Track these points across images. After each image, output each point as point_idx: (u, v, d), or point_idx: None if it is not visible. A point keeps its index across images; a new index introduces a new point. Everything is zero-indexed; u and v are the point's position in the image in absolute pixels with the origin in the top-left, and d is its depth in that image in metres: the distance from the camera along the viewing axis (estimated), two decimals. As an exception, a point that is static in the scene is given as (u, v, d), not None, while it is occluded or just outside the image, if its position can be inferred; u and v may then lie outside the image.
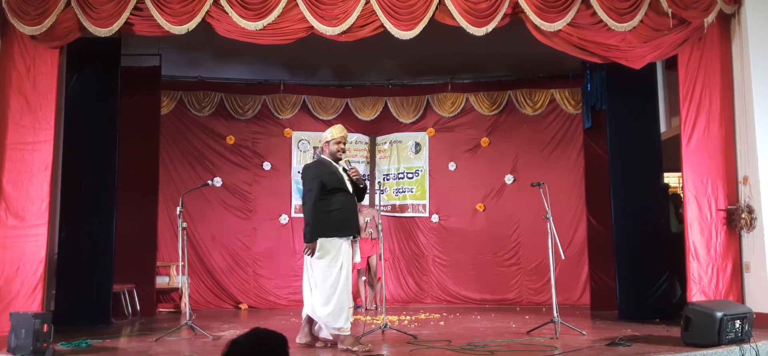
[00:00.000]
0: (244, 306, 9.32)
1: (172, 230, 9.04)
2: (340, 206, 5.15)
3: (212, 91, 9.67)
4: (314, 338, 5.33)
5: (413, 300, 9.67)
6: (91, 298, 6.86)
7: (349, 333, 5.10)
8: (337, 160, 5.32)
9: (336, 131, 5.36)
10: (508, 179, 9.82)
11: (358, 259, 5.47)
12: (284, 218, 9.81)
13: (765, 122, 6.23)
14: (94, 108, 7.14)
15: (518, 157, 9.83)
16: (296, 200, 9.88)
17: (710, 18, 6.26)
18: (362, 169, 10.08)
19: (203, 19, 6.11)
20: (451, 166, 9.99)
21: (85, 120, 7.10)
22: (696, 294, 6.13)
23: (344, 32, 6.19)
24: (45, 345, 4.79)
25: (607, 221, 7.71)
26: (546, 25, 6.13)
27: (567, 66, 8.78)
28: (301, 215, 9.64)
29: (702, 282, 6.19)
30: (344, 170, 5.29)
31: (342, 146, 5.33)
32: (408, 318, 7.56)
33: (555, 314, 5.76)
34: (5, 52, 6.17)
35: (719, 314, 4.77)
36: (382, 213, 8.86)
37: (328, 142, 5.35)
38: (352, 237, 5.29)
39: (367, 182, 5.44)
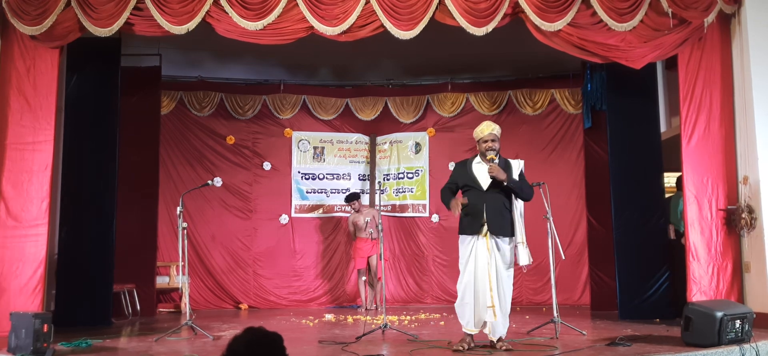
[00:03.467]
0: (244, 306, 9.33)
1: (172, 230, 9.04)
2: (469, 205, 5.03)
3: (212, 91, 9.67)
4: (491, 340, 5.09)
5: (413, 300, 9.67)
6: (91, 298, 6.86)
7: (471, 333, 5.02)
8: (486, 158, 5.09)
9: (479, 130, 5.16)
10: (508, 179, 9.81)
11: (524, 260, 5.08)
12: (284, 218, 9.81)
13: (765, 122, 6.23)
14: (94, 108, 7.14)
15: (518, 157, 9.75)
16: (296, 201, 9.90)
17: (710, 18, 6.26)
18: (362, 169, 10.09)
19: (203, 19, 6.11)
20: (451, 166, 9.91)
21: (85, 120, 7.09)
22: (696, 294, 6.13)
23: (344, 32, 6.19)
24: (45, 345, 4.79)
25: (607, 221, 7.71)
26: (546, 25, 6.13)
27: (567, 66, 8.78)
28: (302, 215, 9.84)
29: (702, 282, 6.19)
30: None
31: (489, 143, 5.05)
32: (408, 318, 7.57)
33: (555, 314, 5.76)
34: (5, 52, 6.17)
35: (719, 314, 4.77)
36: (382, 213, 8.86)
37: (477, 141, 5.19)
38: (493, 235, 4.97)
39: (516, 180, 5.08)
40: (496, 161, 5.03)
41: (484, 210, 4.99)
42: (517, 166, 5.14)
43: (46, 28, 6.04)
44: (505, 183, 4.98)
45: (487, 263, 4.97)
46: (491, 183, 5.02)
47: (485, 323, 5.01)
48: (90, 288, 6.89)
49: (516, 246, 5.08)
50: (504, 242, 5.01)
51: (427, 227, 9.92)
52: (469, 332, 5.04)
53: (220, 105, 9.71)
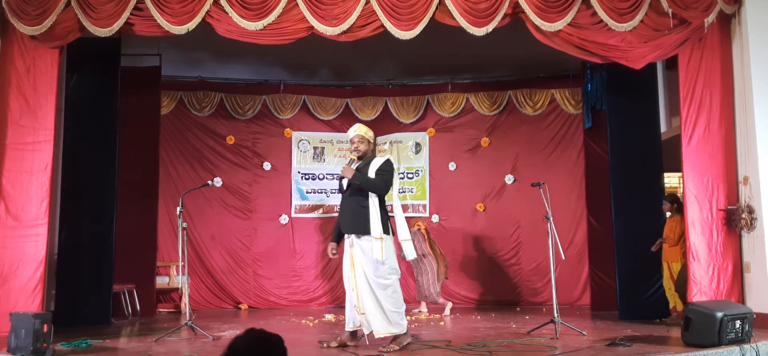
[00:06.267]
0: (244, 306, 9.32)
1: (172, 230, 9.04)
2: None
3: (212, 91, 9.66)
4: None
5: (413, 300, 9.64)
6: (91, 298, 6.87)
7: (347, 330, 5.25)
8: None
9: (348, 133, 5.47)
10: (509, 179, 9.82)
11: (375, 255, 5.04)
12: (284, 219, 9.81)
13: (765, 122, 6.22)
14: (94, 108, 7.14)
15: (518, 157, 9.83)
16: (296, 201, 9.90)
17: (710, 18, 6.25)
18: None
19: (203, 19, 6.10)
20: (452, 166, 9.98)
21: (85, 120, 7.10)
22: (696, 294, 6.13)
23: (344, 32, 6.19)
24: (45, 345, 4.79)
25: (608, 221, 7.71)
26: (546, 26, 6.12)
27: (567, 66, 8.78)
28: (302, 215, 9.85)
29: (702, 282, 6.19)
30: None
31: (355, 144, 5.34)
32: (408, 318, 7.55)
33: (555, 314, 5.76)
34: (5, 52, 6.16)
35: (719, 314, 4.77)
36: (382, 213, 8.86)
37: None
38: (350, 234, 5.19)
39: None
40: (356, 162, 5.26)
41: (343, 212, 5.27)
42: (377, 163, 5.24)
43: (46, 28, 6.03)
44: (353, 183, 5.17)
45: (350, 263, 5.18)
46: (349, 184, 5.23)
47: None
48: (90, 288, 6.89)
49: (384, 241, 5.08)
50: (363, 241, 5.11)
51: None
52: (347, 330, 5.27)
53: (220, 105, 9.71)
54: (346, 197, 5.28)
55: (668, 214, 7.22)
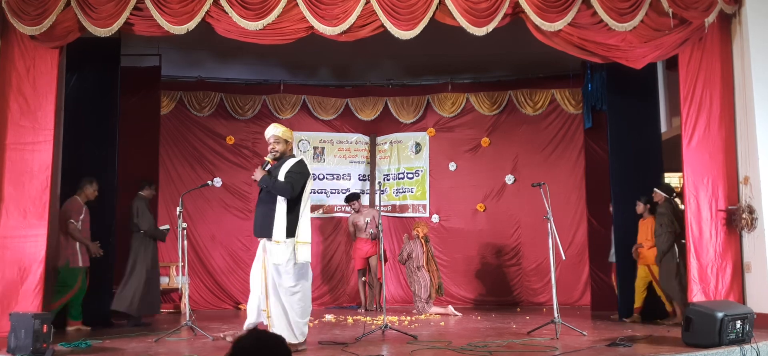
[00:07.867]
0: (244, 307, 9.30)
1: (172, 230, 9.02)
2: None
3: (212, 91, 9.66)
4: None
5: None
6: (92, 298, 6.85)
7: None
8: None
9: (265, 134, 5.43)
10: (509, 179, 9.82)
11: (274, 259, 5.10)
12: (284, 219, 9.79)
13: (765, 122, 6.22)
14: (94, 108, 7.14)
15: (518, 157, 9.82)
16: (296, 201, 9.90)
17: (711, 18, 6.25)
18: (362, 169, 10.11)
19: (203, 19, 6.10)
20: (452, 166, 9.98)
21: (85, 120, 7.08)
22: (696, 294, 6.13)
23: (344, 32, 6.19)
24: (44, 345, 4.78)
25: (608, 221, 7.71)
26: (546, 25, 6.12)
27: (567, 66, 8.78)
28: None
29: (702, 282, 6.19)
30: None
31: (271, 145, 5.34)
32: (408, 318, 7.56)
33: (555, 314, 5.75)
34: (5, 52, 6.15)
35: (720, 314, 4.77)
36: (383, 213, 8.85)
37: None
38: (265, 239, 5.16)
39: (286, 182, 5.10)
40: (270, 164, 5.23)
41: (255, 214, 5.25)
42: (288, 164, 5.19)
43: (46, 28, 6.03)
44: (259, 184, 5.17)
45: (261, 265, 5.21)
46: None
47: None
48: (90, 288, 6.87)
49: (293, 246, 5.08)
50: (269, 244, 5.11)
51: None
52: (246, 326, 5.31)
53: (219, 105, 9.71)
54: (260, 200, 5.22)
55: (641, 215, 7.15)
